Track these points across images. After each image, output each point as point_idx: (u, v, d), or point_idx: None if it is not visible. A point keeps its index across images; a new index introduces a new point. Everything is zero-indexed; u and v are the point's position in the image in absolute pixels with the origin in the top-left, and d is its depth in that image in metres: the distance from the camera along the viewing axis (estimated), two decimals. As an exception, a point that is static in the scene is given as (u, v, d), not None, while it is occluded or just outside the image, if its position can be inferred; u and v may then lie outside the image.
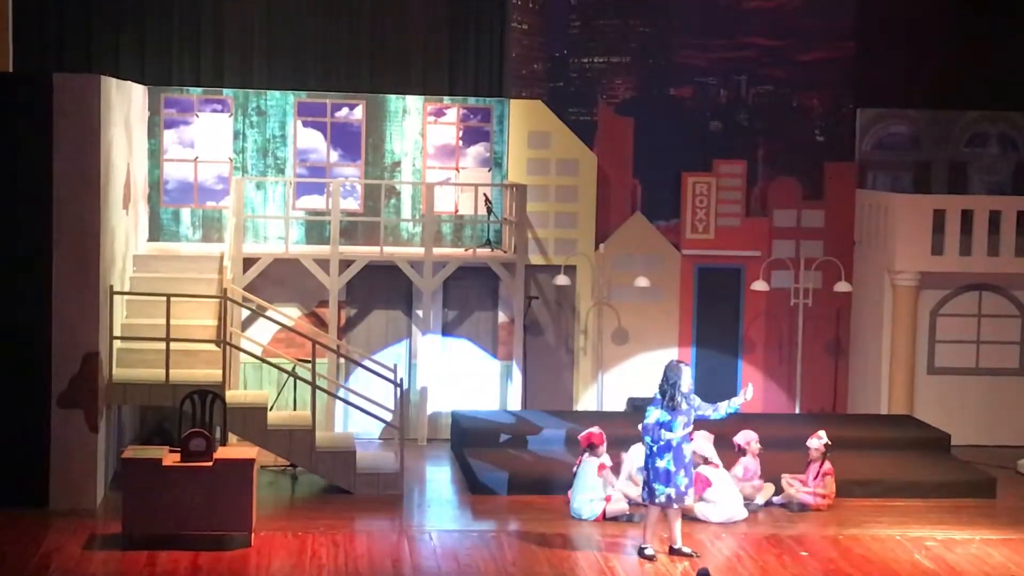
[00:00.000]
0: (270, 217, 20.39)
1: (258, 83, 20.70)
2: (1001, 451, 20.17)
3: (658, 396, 14.82)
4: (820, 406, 21.51)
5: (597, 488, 16.27)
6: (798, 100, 22.39)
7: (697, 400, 14.92)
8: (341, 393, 19.04)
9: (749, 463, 17.01)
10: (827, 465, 16.99)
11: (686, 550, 14.93)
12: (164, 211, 20.35)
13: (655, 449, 14.75)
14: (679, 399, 14.71)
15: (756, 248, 21.45)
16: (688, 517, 16.10)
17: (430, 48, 21.17)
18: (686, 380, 14.78)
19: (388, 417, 18.32)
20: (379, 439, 19.65)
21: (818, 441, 17.07)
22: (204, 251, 19.49)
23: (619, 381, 21.14)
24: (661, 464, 14.72)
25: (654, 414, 14.77)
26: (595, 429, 16.60)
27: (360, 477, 17.12)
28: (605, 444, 16.51)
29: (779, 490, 17.01)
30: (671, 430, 14.68)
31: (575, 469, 16.60)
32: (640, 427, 15.01)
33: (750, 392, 15.07)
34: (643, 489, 15.03)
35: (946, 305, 20.93)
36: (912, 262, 20.36)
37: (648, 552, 14.84)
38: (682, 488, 14.76)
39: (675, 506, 14.83)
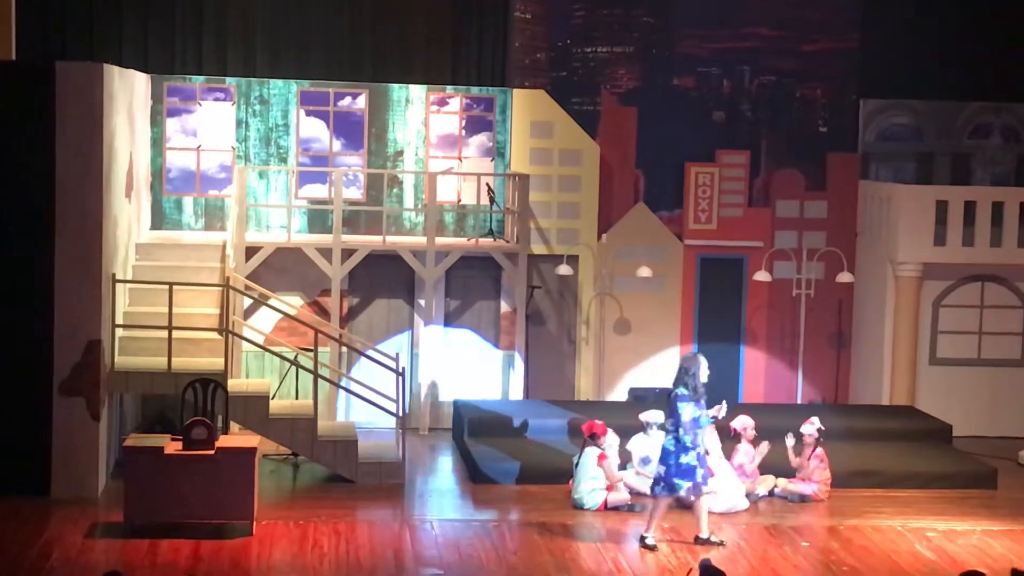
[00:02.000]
0: (272, 206, 20.39)
1: (261, 72, 20.68)
2: (1002, 442, 20.17)
3: (684, 391, 14.75)
4: (822, 396, 21.53)
5: (598, 478, 16.28)
6: (801, 91, 22.31)
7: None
8: (343, 382, 19.06)
9: (746, 449, 17.03)
10: (819, 450, 17.02)
11: (714, 539, 14.92)
12: (167, 199, 20.35)
13: (686, 445, 14.71)
14: (701, 390, 14.69)
15: (759, 239, 21.45)
16: (690, 507, 16.14)
17: (433, 37, 21.14)
18: (703, 371, 14.76)
19: (390, 406, 18.32)
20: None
21: (811, 427, 17.10)
22: (206, 239, 19.49)
23: (621, 371, 21.14)
24: (686, 460, 14.71)
25: (688, 410, 14.69)
26: (598, 421, 16.63)
27: (362, 466, 17.14)
28: (608, 435, 16.52)
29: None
30: (700, 425, 14.73)
31: (576, 459, 16.60)
32: (669, 422, 14.90)
33: (723, 411, 15.10)
34: (658, 483, 14.92)
35: (948, 296, 20.93)
36: (914, 253, 20.35)
37: (649, 542, 14.84)
38: (699, 479, 14.81)
39: (692, 497, 14.85)
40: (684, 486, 14.77)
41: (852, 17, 22.17)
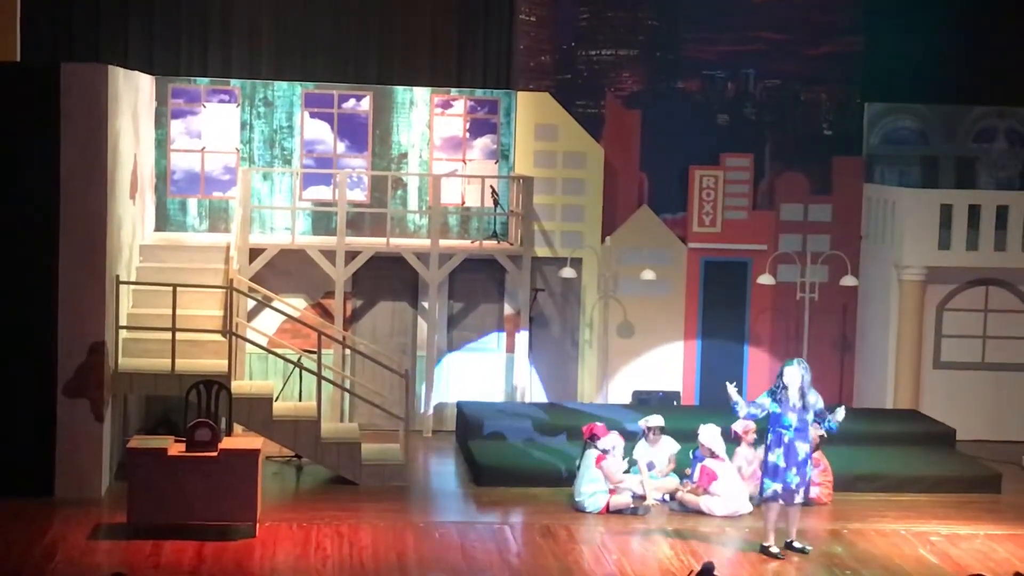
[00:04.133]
0: (277, 208, 20.40)
1: (265, 74, 20.70)
2: (1006, 446, 20.15)
3: (772, 388, 14.86)
4: (826, 400, 21.45)
5: (599, 480, 16.25)
6: (806, 94, 22.35)
7: (815, 399, 14.86)
8: (347, 384, 19.05)
9: (744, 452, 17.01)
10: (816, 454, 16.98)
11: (797, 545, 14.85)
12: (171, 201, 20.37)
13: (767, 442, 14.74)
14: (783, 394, 14.64)
15: (763, 242, 21.44)
16: (693, 510, 16.15)
17: (438, 40, 21.16)
18: (791, 376, 14.68)
19: (394, 408, 18.33)
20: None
21: (813, 430, 17.04)
22: (210, 241, 19.50)
23: (624, 374, 21.13)
24: (771, 458, 14.70)
25: (760, 400, 14.83)
26: (598, 422, 16.64)
27: (365, 468, 17.14)
28: (612, 436, 16.48)
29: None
30: (783, 425, 14.66)
31: (578, 462, 16.59)
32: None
33: (840, 415, 15.15)
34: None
35: (953, 300, 20.92)
36: (919, 257, 20.34)
37: (772, 550, 14.75)
38: (792, 485, 14.68)
39: (781, 502, 14.75)
40: (771, 487, 14.66)
41: (856, 20, 22.17)
